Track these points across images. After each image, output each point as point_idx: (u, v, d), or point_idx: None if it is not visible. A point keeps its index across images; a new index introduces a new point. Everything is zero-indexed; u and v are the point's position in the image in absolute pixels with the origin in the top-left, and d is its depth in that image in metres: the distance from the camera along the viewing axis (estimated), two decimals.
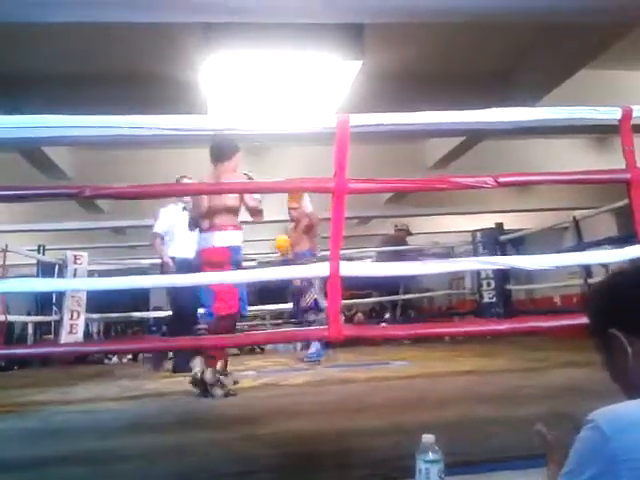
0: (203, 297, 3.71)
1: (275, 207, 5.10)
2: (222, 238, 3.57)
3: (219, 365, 3.44)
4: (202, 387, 3.39)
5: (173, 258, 4.96)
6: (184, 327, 4.94)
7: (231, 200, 3.60)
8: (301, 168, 6.35)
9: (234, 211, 3.65)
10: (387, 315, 9.13)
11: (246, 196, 3.64)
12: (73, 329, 6.80)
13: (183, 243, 5.03)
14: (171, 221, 5.07)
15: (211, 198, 3.61)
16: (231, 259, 3.51)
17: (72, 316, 6.83)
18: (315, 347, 5.32)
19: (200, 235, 3.70)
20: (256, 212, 3.71)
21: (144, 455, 2.10)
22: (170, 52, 4.87)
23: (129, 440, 2.36)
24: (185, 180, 4.74)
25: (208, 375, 3.36)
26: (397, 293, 8.39)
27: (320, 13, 3.56)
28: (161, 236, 5.07)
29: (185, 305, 4.88)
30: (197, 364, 3.41)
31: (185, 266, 4.55)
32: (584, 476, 0.80)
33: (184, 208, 5.11)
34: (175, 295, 4.83)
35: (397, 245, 8.47)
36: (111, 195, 3.33)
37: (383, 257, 8.23)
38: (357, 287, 9.55)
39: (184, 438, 2.33)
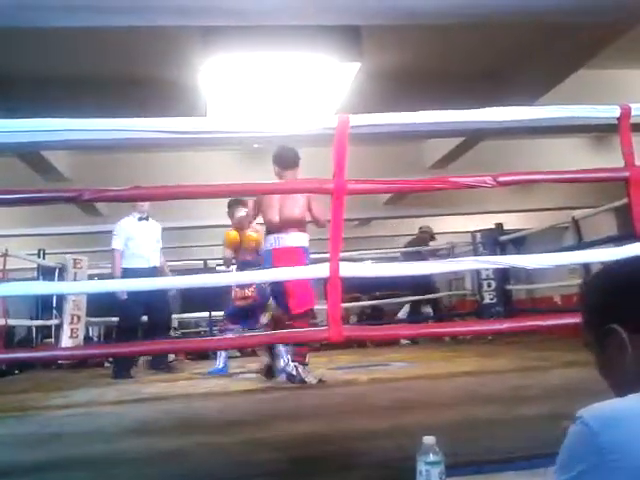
0: (276, 294, 3.99)
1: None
2: (295, 238, 3.88)
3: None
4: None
5: (127, 269, 4.92)
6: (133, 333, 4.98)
7: (299, 208, 3.91)
8: (300, 170, 6.34)
9: (302, 215, 3.93)
10: (400, 314, 9.21)
11: (312, 205, 3.91)
12: (74, 333, 6.79)
13: (138, 254, 5.04)
14: (128, 233, 5.07)
15: (282, 205, 3.92)
16: (305, 258, 3.82)
17: (73, 320, 6.81)
18: (223, 360, 4.91)
19: (272, 236, 3.93)
20: (318, 222, 3.99)
21: (143, 459, 2.10)
22: (169, 55, 4.87)
23: (128, 444, 2.35)
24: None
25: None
26: (432, 292, 8.47)
27: (317, 15, 3.55)
28: (121, 252, 5.02)
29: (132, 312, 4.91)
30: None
31: (141, 277, 4.51)
32: (574, 472, 0.80)
33: (140, 219, 5.12)
34: (122, 302, 4.76)
35: (421, 246, 8.59)
36: (110, 198, 3.31)
37: (408, 258, 8.38)
38: (391, 287, 9.64)
39: (184, 442, 2.31)
